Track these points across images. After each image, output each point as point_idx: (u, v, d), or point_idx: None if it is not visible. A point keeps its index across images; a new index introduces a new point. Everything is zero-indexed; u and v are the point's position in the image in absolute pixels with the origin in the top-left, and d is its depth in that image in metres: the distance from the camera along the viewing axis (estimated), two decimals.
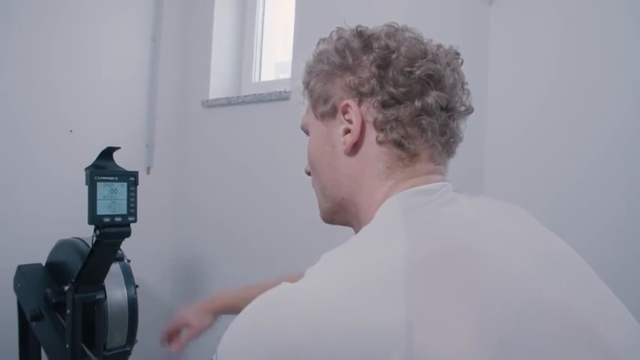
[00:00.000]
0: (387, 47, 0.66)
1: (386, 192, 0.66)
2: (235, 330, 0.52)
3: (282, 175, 1.97)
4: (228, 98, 2.19)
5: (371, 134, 0.67)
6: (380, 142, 0.66)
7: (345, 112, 0.68)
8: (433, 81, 0.66)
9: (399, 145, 0.66)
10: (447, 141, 0.69)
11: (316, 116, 0.73)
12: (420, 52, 0.67)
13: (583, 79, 1.73)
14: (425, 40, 0.70)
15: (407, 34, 0.69)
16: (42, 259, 1.70)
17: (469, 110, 0.72)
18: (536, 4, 1.84)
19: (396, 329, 0.47)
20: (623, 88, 1.64)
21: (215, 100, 2.23)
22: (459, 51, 0.72)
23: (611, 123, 1.66)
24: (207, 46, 2.29)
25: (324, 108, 0.71)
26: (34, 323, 1.52)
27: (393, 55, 0.66)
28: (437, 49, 0.70)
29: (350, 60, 0.68)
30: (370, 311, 0.48)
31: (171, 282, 2.35)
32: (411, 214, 0.60)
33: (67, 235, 1.70)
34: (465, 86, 0.71)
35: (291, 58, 2.01)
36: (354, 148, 0.68)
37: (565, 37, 1.77)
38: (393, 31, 0.69)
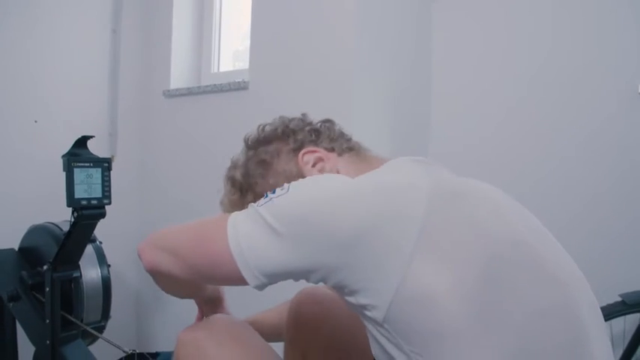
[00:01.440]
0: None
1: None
2: (309, 179, 0.76)
3: None
4: (188, 88, 2.29)
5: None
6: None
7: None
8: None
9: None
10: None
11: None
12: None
13: (519, 67, 1.94)
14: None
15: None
16: (11, 245, 1.79)
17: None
18: None
19: (416, 216, 0.66)
20: (561, 72, 1.86)
21: (176, 90, 2.33)
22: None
23: (552, 112, 1.87)
24: (167, 37, 2.37)
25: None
26: (11, 304, 1.62)
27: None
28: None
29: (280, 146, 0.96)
30: (401, 198, 0.68)
31: (138, 263, 2.45)
32: (420, 164, 0.80)
33: (36, 222, 1.79)
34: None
35: (249, 46, 2.11)
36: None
37: (506, 25, 1.97)
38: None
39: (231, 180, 0.97)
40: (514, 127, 1.94)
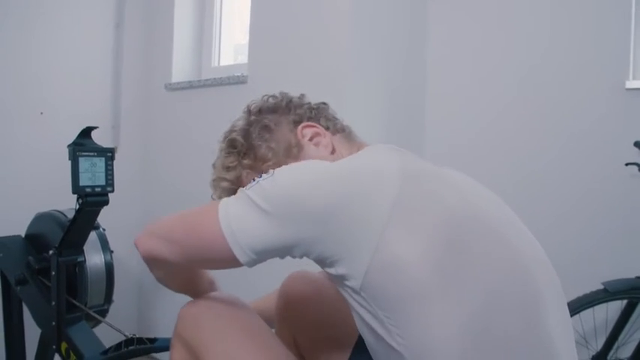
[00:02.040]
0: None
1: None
2: (291, 165, 0.82)
3: None
4: (190, 82, 2.36)
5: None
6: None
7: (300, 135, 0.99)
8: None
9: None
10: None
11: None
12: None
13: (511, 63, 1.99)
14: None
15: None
16: (18, 232, 1.86)
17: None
18: None
19: (387, 197, 0.73)
20: (553, 67, 1.91)
21: (177, 83, 2.39)
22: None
23: (543, 109, 1.93)
24: (169, 32, 2.44)
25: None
26: (18, 287, 1.69)
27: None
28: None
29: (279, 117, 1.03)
30: (375, 177, 0.76)
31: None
32: (394, 151, 0.87)
33: (41, 209, 1.85)
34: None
35: (248, 42, 2.17)
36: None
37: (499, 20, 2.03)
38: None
39: (231, 142, 1.01)
40: (507, 124, 2.00)
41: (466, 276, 0.72)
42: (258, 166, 0.97)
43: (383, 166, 0.79)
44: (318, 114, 1.01)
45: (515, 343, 0.72)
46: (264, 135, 0.98)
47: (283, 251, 0.79)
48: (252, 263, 0.79)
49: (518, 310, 0.73)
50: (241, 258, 0.78)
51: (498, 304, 0.72)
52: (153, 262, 0.91)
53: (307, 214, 0.74)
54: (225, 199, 0.82)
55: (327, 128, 0.99)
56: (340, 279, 0.77)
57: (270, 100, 1.03)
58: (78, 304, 1.58)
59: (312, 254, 0.77)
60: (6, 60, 2.11)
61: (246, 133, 1.00)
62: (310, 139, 0.97)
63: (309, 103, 1.03)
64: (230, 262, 0.79)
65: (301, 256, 0.79)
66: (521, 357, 0.72)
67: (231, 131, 1.03)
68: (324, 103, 1.05)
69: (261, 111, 1.02)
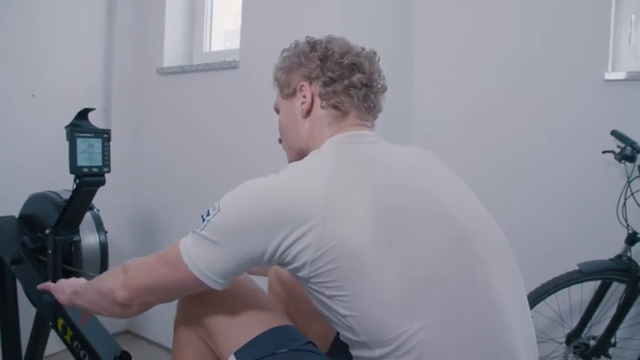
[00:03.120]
0: (326, 48, 1.03)
1: (328, 137, 1.00)
2: (234, 190, 0.91)
3: (233, 136, 2.21)
4: (181, 67, 2.39)
5: (317, 103, 1.03)
6: (323, 107, 1.02)
7: (301, 90, 1.04)
8: (356, 67, 1.02)
9: (335, 107, 1.02)
10: (368, 106, 1.04)
11: (283, 97, 1.09)
12: (347, 50, 1.03)
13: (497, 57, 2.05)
14: (352, 44, 1.06)
15: (339, 41, 1.06)
16: (11, 212, 1.88)
17: (384, 88, 1.08)
18: None
19: (320, 193, 0.83)
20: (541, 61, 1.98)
21: (169, 68, 2.42)
22: (375, 51, 1.09)
23: (523, 98, 1.99)
24: (161, 17, 2.46)
25: (287, 90, 1.07)
26: (13, 266, 1.72)
27: (329, 52, 1.02)
28: (360, 50, 1.06)
29: (302, 59, 1.05)
30: (306, 184, 0.86)
31: (132, 232, 2.58)
32: (340, 146, 0.97)
33: (34, 190, 1.88)
34: (381, 73, 1.08)
35: (240, 27, 2.20)
36: (308, 112, 1.04)
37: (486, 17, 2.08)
38: (330, 39, 1.07)
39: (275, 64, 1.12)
40: (491, 115, 2.05)
41: (401, 250, 0.81)
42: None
43: (315, 177, 0.87)
44: (326, 70, 1.02)
45: (456, 298, 0.81)
46: (287, 65, 1.08)
47: (246, 266, 0.90)
48: (225, 285, 0.92)
49: (455, 270, 0.83)
50: (216, 287, 0.91)
51: (433, 269, 0.82)
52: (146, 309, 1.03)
53: (252, 233, 0.86)
54: (183, 244, 0.92)
55: (322, 96, 1.02)
56: (294, 272, 0.88)
57: (296, 49, 1.08)
58: (79, 270, 1.62)
59: (271, 261, 0.89)
60: None
61: (276, 70, 1.11)
62: (304, 118, 1.04)
63: (327, 49, 1.03)
64: (207, 289, 0.92)
65: (263, 264, 0.91)
66: (464, 310, 0.81)
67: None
68: (355, 67, 1.03)
69: (297, 49, 1.08)
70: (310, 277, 0.85)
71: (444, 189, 0.94)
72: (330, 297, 0.85)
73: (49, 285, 1.22)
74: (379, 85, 1.06)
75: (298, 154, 1.05)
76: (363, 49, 1.07)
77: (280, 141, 1.13)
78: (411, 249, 0.82)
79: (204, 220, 0.89)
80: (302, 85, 1.03)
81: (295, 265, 0.86)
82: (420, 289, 0.80)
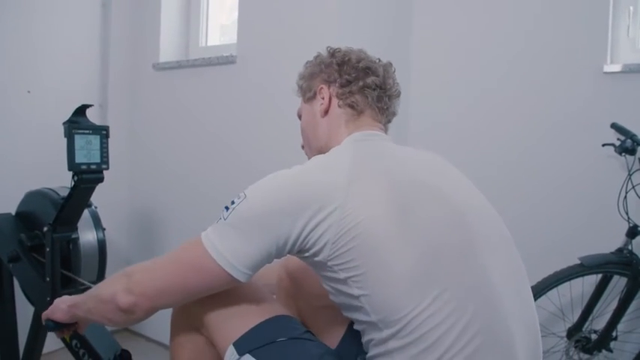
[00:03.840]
0: (344, 54, 1.12)
1: (346, 135, 1.07)
2: (260, 180, 0.94)
3: (231, 131, 2.19)
4: (178, 62, 2.37)
5: (334, 102, 1.11)
6: (340, 106, 1.10)
7: (320, 92, 1.12)
8: (371, 71, 1.10)
9: (350, 106, 1.09)
10: (382, 107, 1.11)
11: (305, 101, 1.17)
12: (363, 57, 1.13)
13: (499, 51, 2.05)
14: (369, 54, 1.15)
15: (358, 51, 1.15)
16: (7, 210, 1.86)
17: (398, 93, 1.15)
18: None
19: (341, 180, 0.89)
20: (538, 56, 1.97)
21: (166, 63, 2.40)
22: (391, 63, 1.17)
23: (522, 90, 1.98)
24: (157, 11, 2.43)
25: (309, 94, 1.15)
26: (11, 265, 1.70)
27: (347, 58, 1.11)
28: (375, 58, 1.14)
29: (323, 66, 1.14)
30: (327, 172, 0.92)
31: (129, 229, 2.56)
32: (357, 143, 1.03)
33: (30, 188, 1.86)
34: (396, 80, 1.15)
35: (237, 22, 2.18)
36: (325, 111, 1.11)
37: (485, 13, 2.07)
38: (349, 49, 1.15)
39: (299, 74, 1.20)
40: (489, 107, 2.04)
41: (414, 227, 0.87)
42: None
43: (336, 166, 0.93)
44: (343, 73, 1.10)
45: (454, 279, 0.86)
46: (309, 73, 1.17)
47: (270, 257, 0.92)
48: (249, 277, 0.92)
49: (456, 254, 0.88)
50: (242, 279, 0.91)
51: (437, 249, 0.87)
52: (156, 310, 0.99)
53: (277, 219, 0.89)
54: (205, 236, 0.92)
55: (337, 97, 1.10)
56: (312, 257, 0.91)
57: (318, 59, 1.16)
58: (74, 276, 1.61)
59: (292, 251, 0.92)
60: None
61: (300, 78, 1.19)
62: (322, 117, 1.11)
63: (345, 56, 1.12)
64: (231, 285, 0.93)
65: (285, 254, 0.93)
66: (462, 292, 0.85)
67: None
68: (369, 71, 1.11)
69: (320, 59, 1.16)
70: (329, 259, 0.88)
71: (453, 184, 1.00)
72: (345, 280, 0.88)
73: (44, 313, 1.16)
74: (393, 90, 1.14)
75: (318, 152, 1.08)
76: (379, 59, 1.15)
77: (303, 147, 1.20)
78: (418, 236, 0.87)
79: (228, 209, 0.92)
80: (321, 88, 1.12)
81: (316, 248, 0.89)
82: (426, 269, 0.85)
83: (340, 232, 0.86)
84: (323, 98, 1.11)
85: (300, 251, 0.92)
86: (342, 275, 0.88)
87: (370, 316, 0.87)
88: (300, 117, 1.20)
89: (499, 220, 1.00)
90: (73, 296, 1.14)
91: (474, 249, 0.90)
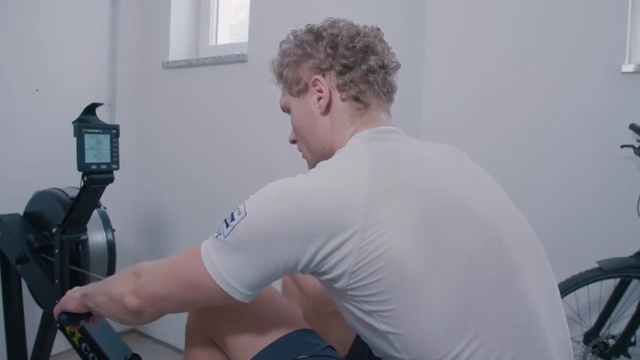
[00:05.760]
0: (332, 34, 0.94)
1: (351, 133, 0.93)
2: (261, 192, 0.82)
3: (241, 131, 2.17)
4: (188, 60, 2.34)
5: (336, 96, 0.94)
6: (343, 100, 0.94)
7: (314, 85, 0.95)
8: (370, 49, 0.94)
9: (356, 99, 0.93)
10: (387, 90, 0.97)
11: (293, 95, 0.98)
12: (355, 32, 0.95)
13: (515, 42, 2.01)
14: (355, 24, 0.97)
15: (342, 23, 0.97)
16: (15, 210, 1.83)
17: (398, 66, 1.00)
18: None
19: (359, 199, 0.76)
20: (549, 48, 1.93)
21: (175, 62, 2.37)
22: (378, 27, 1.01)
23: (538, 89, 1.95)
24: (166, 10, 2.41)
25: (298, 87, 0.97)
26: (19, 266, 1.68)
27: (338, 38, 0.93)
28: (364, 28, 0.97)
29: (308, 49, 0.95)
30: (342, 188, 0.78)
31: (137, 229, 2.54)
32: (370, 144, 0.88)
33: (38, 188, 1.83)
34: (391, 49, 0.99)
35: (248, 20, 2.16)
36: (327, 108, 0.94)
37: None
38: (332, 23, 0.97)
39: (273, 59, 1.05)
40: (503, 107, 2.00)
41: (446, 263, 0.76)
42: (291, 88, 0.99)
43: (352, 181, 0.80)
44: (338, 58, 0.93)
45: (494, 315, 0.76)
46: (290, 61, 0.99)
47: (276, 277, 0.83)
48: (252, 297, 0.84)
49: (495, 285, 0.78)
50: (242, 299, 0.83)
51: (476, 282, 0.77)
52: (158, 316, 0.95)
53: (284, 242, 0.78)
54: (204, 250, 0.84)
55: (340, 88, 0.94)
56: (330, 282, 0.81)
57: (297, 39, 0.99)
58: (86, 272, 1.58)
59: (305, 270, 0.81)
60: (1, 37, 2.07)
61: (277, 66, 1.03)
62: (318, 100, 0.95)
63: (334, 35, 0.94)
64: (231, 300, 0.84)
65: (292, 274, 0.83)
66: (501, 326, 0.76)
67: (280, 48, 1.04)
68: (368, 49, 0.95)
69: (297, 39, 1.00)
70: (348, 288, 0.78)
71: (479, 191, 0.89)
72: (369, 312, 0.79)
73: (57, 307, 1.13)
74: (393, 64, 0.99)
75: (320, 156, 0.96)
76: (365, 26, 0.98)
77: (294, 142, 1.04)
78: (453, 266, 0.77)
79: (227, 225, 0.81)
80: (315, 80, 0.94)
81: (332, 275, 0.79)
82: (465, 308, 0.75)
83: (361, 263, 0.76)
84: (320, 92, 0.94)
85: (314, 273, 0.82)
86: (365, 308, 0.79)
87: (401, 353, 0.78)
88: (285, 110, 1.03)
89: (525, 223, 0.92)
90: (83, 286, 1.11)
91: (513, 276, 0.80)
